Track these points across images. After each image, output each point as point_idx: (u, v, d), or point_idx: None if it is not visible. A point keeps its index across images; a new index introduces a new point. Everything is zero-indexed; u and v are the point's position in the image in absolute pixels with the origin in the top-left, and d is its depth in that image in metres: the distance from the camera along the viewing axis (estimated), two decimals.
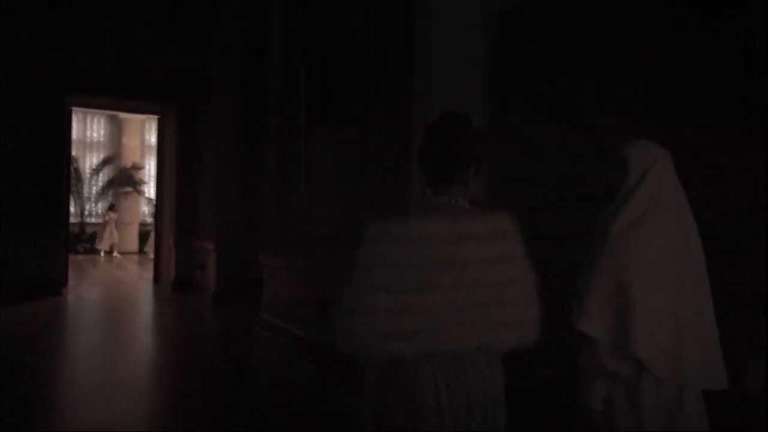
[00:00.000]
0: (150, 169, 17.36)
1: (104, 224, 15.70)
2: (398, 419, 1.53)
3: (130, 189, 16.90)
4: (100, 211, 17.40)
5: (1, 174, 7.99)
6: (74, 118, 17.18)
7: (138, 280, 10.99)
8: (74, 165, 16.46)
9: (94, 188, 16.99)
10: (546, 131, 3.47)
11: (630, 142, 1.94)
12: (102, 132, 17.59)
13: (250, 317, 6.79)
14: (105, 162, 16.97)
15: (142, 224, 17.22)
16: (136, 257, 15.86)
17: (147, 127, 17.76)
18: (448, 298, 1.46)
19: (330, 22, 5.66)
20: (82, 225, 16.61)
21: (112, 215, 15.71)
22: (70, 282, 9.82)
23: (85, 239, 16.49)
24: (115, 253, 15.60)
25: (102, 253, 15.45)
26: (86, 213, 16.86)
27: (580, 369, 1.83)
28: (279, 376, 4.84)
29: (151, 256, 14.64)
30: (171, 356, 5.47)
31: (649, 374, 1.76)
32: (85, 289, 9.49)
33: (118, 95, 8.99)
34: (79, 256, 15.47)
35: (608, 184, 1.93)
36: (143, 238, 16.54)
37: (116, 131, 17.46)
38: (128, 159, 17.19)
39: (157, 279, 10.16)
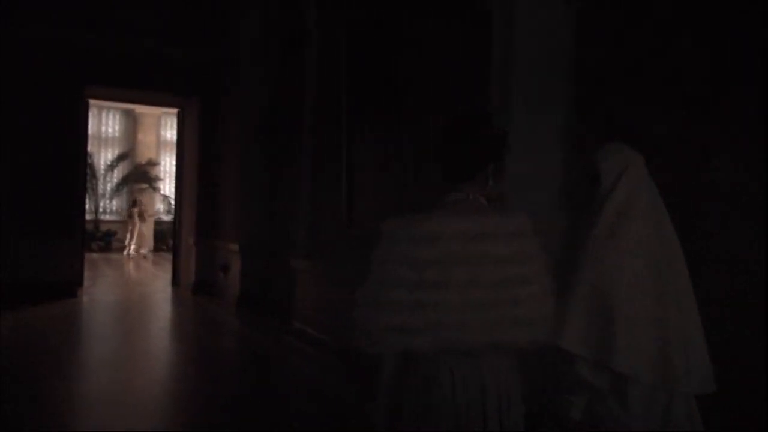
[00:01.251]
0: (166, 165, 16.93)
1: (132, 222, 15.18)
2: (414, 416, 1.53)
3: (145, 186, 16.47)
4: (114, 208, 16.99)
5: (15, 170, 7.54)
6: (90, 113, 16.93)
7: (155, 282, 10.52)
8: (89, 161, 16.07)
9: (109, 185, 16.56)
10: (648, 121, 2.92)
11: (602, 147, 1.91)
12: (117, 127, 17.16)
13: (280, 325, 6.28)
14: (120, 158, 16.56)
15: (158, 222, 16.79)
16: (151, 256, 15.43)
17: (163, 122, 17.34)
18: (463, 294, 1.47)
19: (379, 5, 5.10)
20: (97, 223, 16.21)
21: (136, 214, 15.27)
22: (86, 283, 9.37)
23: (100, 237, 16.08)
24: (143, 251, 15.16)
25: (130, 252, 14.97)
26: (101, 210, 16.44)
27: (558, 379, 1.81)
28: (316, 392, 4.32)
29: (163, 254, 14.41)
30: (195, 370, 4.96)
31: (637, 383, 1.74)
32: (101, 290, 9.03)
33: (137, 86, 8.50)
34: (94, 255, 15.06)
35: (585, 192, 1.90)
36: (158, 236, 16.11)
37: (131, 127, 17.04)
38: (144, 155, 16.77)
39: (175, 281, 9.68)
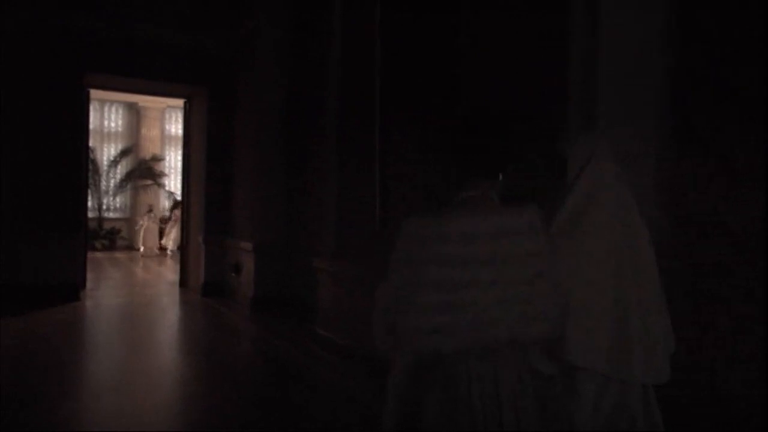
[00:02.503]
0: (171, 160, 16.38)
1: (171, 222, 14.60)
2: (433, 415, 1.50)
3: (149, 182, 15.93)
4: (118, 205, 16.46)
5: (10, 165, 6.99)
6: (91, 107, 16.36)
7: (162, 283, 9.98)
8: (91, 156, 15.54)
9: (112, 181, 16.02)
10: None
11: (572, 137, 2.06)
12: (120, 122, 16.60)
13: (300, 331, 5.73)
14: (123, 153, 16.01)
15: (162, 219, 16.26)
16: (156, 254, 14.91)
17: (167, 116, 16.78)
18: (488, 293, 1.46)
19: None
20: (100, 220, 15.68)
21: (178, 213, 14.73)
22: (89, 285, 8.84)
23: (104, 235, 15.56)
24: (168, 251, 14.64)
25: (169, 252, 14.47)
26: (104, 207, 15.91)
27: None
28: (347, 408, 3.76)
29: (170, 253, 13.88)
30: (212, 385, 4.41)
31: (588, 373, 1.76)
32: (105, 293, 8.48)
33: (140, 75, 7.92)
34: (98, 254, 14.55)
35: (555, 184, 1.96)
36: (163, 234, 15.58)
37: (135, 121, 16.48)
38: (148, 150, 16.22)
39: (183, 281, 9.14)
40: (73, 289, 7.43)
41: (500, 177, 1.60)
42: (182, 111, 9.45)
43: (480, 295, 1.46)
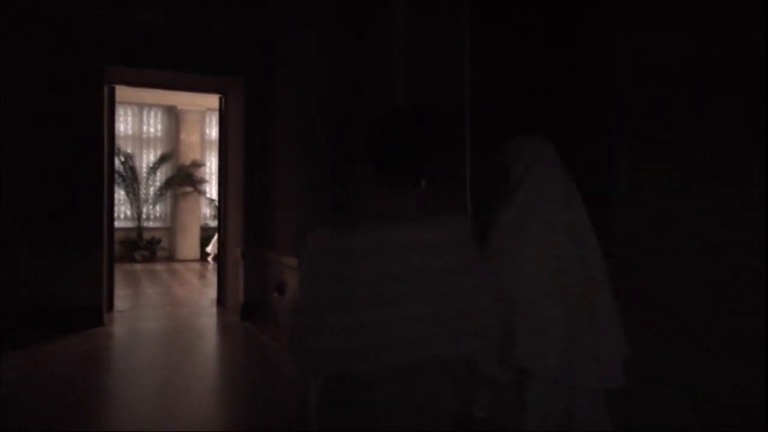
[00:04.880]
0: (211, 166, 15.56)
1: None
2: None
3: (189, 189, 15.14)
4: (158, 214, 15.75)
5: (23, 173, 6.09)
6: (129, 112, 15.71)
7: (199, 300, 8.98)
8: (130, 163, 14.88)
9: (152, 188, 15.32)
10: None
11: (510, 141, 1.87)
12: (159, 126, 15.90)
13: None
14: (162, 159, 15.27)
15: (203, 228, 15.45)
16: (197, 266, 14.07)
17: (207, 120, 15.99)
18: (403, 311, 1.38)
19: None
20: (140, 230, 14.98)
21: None
22: (120, 304, 7.92)
23: (144, 246, 14.85)
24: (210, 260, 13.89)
25: (210, 259, 13.76)
26: (144, 217, 15.21)
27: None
28: None
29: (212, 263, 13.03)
30: None
31: (538, 379, 1.73)
32: (134, 316, 7.50)
33: (169, 66, 6.92)
34: (137, 266, 13.83)
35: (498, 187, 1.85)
36: (204, 244, 14.75)
37: (174, 125, 15.75)
38: (187, 156, 15.45)
39: (221, 300, 8.12)
40: (94, 312, 6.48)
41: (422, 185, 1.50)
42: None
43: (402, 313, 1.37)
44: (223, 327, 7.05)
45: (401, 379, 1.40)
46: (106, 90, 6.88)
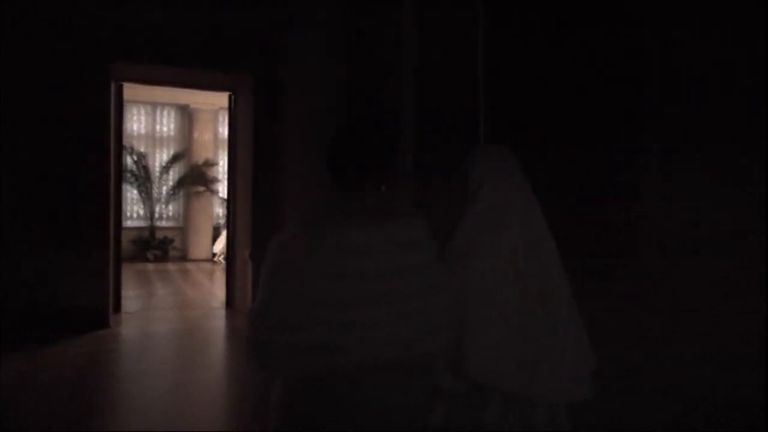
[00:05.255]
0: (224, 165, 15.45)
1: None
2: None
3: (202, 188, 15.06)
4: (171, 213, 15.70)
5: (25, 172, 5.99)
6: (142, 111, 15.68)
7: (208, 302, 8.85)
8: (143, 162, 14.84)
9: (165, 188, 15.27)
10: None
11: (472, 151, 1.88)
12: (172, 125, 15.86)
13: None
14: (175, 158, 15.21)
15: (216, 228, 15.37)
16: (208, 266, 13.98)
17: (220, 119, 15.90)
18: (366, 310, 1.39)
19: None
20: (152, 230, 14.93)
21: None
22: (129, 305, 7.82)
23: (156, 245, 14.80)
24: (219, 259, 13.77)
25: (219, 259, 13.58)
26: (156, 216, 15.16)
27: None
28: None
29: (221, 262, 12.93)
30: None
31: (492, 392, 1.71)
32: (141, 318, 7.38)
33: (176, 63, 6.79)
34: (149, 265, 13.77)
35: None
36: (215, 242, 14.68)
37: (187, 124, 15.69)
38: (200, 155, 15.37)
39: (230, 302, 7.98)
40: (99, 314, 6.36)
41: (382, 187, 1.54)
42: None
43: (368, 311, 1.39)
44: (232, 331, 6.89)
45: (366, 378, 1.41)
46: (113, 88, 6.76)
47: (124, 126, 14.91)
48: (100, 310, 6.38)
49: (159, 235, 14.99)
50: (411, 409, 1.46)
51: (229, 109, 8.03)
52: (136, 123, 15.28)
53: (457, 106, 4.24)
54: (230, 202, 8.14)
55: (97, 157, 6.37)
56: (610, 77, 3.03)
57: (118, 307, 7.26)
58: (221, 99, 12.94)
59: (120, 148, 7.27)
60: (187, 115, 15.59)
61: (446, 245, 1.73)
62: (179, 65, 6.86)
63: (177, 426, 3.77)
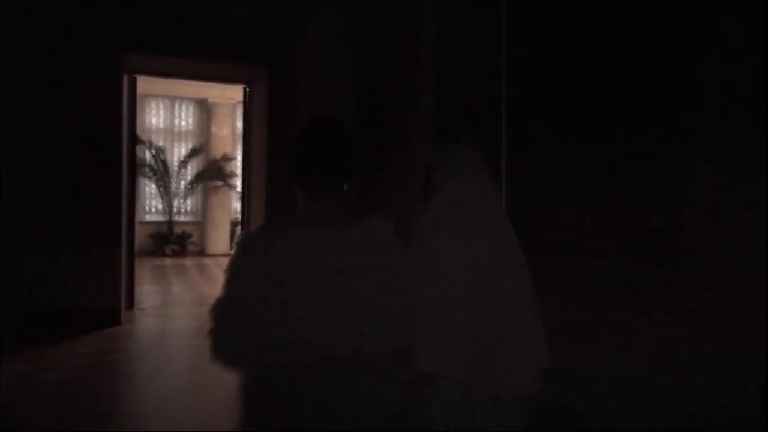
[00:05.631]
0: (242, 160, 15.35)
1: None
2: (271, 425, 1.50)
3: (220, 183, 14.97)
4: (189, 208, 15.65)
5: (24, 167, 5.87)
6: (161, 105, 15.64)
7: None
8: (161, 157, 14.79)
9: (183, 182, 15.21)
10: None
11: (436, 149, 1.95)
12: (190, 120, 15.79)
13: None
14: (193, 153, 15.14)
15: (234, 223, 15.27)
16: (226, 261, 13.85)
17: (238, 113, 15.77)
18: (323, 308, 1.45)
19: None
20: (171, 224, 14.88)
21: None
22: (145, 301, 7.70)
23: (174, 240, 14.76)
24: None
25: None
26: (174, 211, 15.11)
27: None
28: None
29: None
30: None
31: (441, 384, 1.75)
32: (153, 314, 7.25)
33: (190, 54, 6.61)
34: (167, 260, 13.73)
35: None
36: (233, 239, 14.57)
37: (205, 119, 15.61)
38: (218, 150, 15.28)
39: None
40: (110, 311, 6.23)
41: (345, 187, 1.57)
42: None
43: (314, 311, 1.44)
44: None
45: (320, 372, 1.45)
46: (125, 80, 6.61)
47: (143, 120, 14.99)
48: (111, 307, 6.25)
49: (177, 229, 14.96)
50: (364, 401, 1.50)
51: (244, 101, 7.84)
52: (154, 117, 15.24)
53: (477, 102, 3.99)
54: (245, 197, 7.96)
55: (108, 151, 6.23)
56: (658, 72, 2.75)
57: (131, 304, 7.13)
58: (239, 93, 12.82)
59: (133, 142, 7.12)
60: (205, 110, 15.51)
61: (408, 243, 1.76)
62: (193, 57, 6.68)
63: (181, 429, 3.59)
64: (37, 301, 5.79)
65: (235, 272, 1.49)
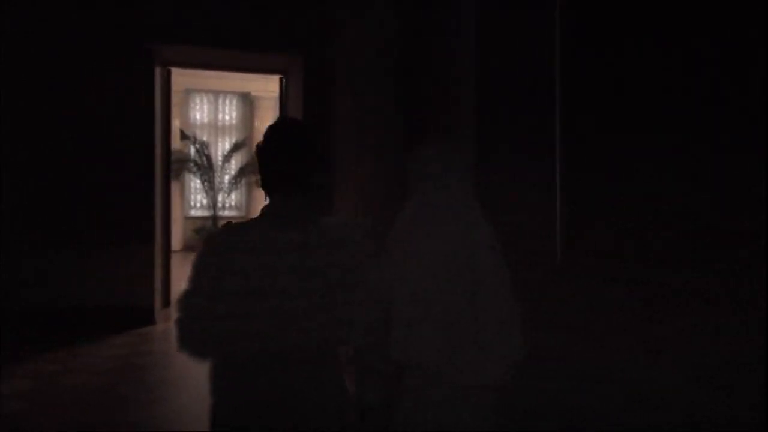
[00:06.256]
0: None
1: None
2: (233, 413, 1.57)
3: None
4: (233, 202, 15.64)
5: (56, 160, 5.75)
6: (204, 100, 15.66)
7: None
8: (205, 151, 14.80)
9: (227, 177, 15.20)
10: None
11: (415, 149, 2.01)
12: (234, 114, 15.76)
13: None
14: (236, 147, 15.09)
15: None
16: None
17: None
18: (280, 303, 1.54)
19: None
20: (215, 219, 14.89)
21: None
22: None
23: None
24: None
25: None
26: (219, 205, 15.13)
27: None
28: None
29: None
30: None
31: (414, 372, 1.85)
32: None
33: (221, 44, 6.36)
34: None
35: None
36: None
37: (249, 112, 15.54)
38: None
39: None
40: (144, 311, 6.08)
41: (310, 188, 1.62)
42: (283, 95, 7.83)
43: (272, 305, 1.53)
44: None
45: (279, 362, 1.54)
46: (158, 72, 6.43)
47: (187, 116, 15.03)
48: (145, 305, 6.11)
49: (221, 224, 14.96)
50: (321, 390, 1.58)
51: (280, 92, 7.56)
52: (198, 112, 15.27)
53: (527, 88, 3.55)
54: None
55: (139, 146, 6.06)
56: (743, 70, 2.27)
57: (167, 302, 6.99)
58: None
59: (168, 136, 6.95)
60: (248, 103, 15.44)
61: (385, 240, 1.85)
62: (226, 46, 6.43)
63: None
64: (69, 300, 5.68)
65: (197, 267, 1.58)
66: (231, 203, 15.56)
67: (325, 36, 6.42)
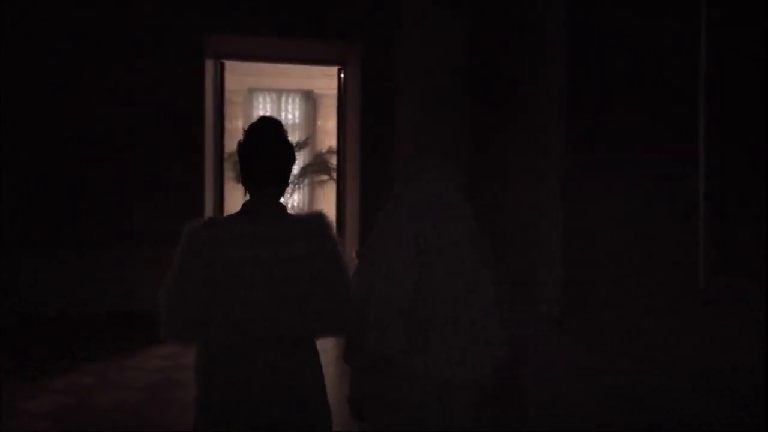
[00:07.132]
0: None
1: None
2: (216, 399, 1.71)
3: (326, 177, 14.50)
4: (296, 203, 15.39)
5: (96, 157, 5.47)
6: (267, 99, 15.52)
7: None
8: None
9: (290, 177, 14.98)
10: None
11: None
12: (297, 113, 15.52)
13: None
14: (298, 146, 14.80)
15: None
16: None
17: None
18: (253, 292, 1.68)
19: None
20: None
21: None
22: None
23: None
24: None
25: None
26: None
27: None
28: None
29: None
30: None
31: (389, 368, 1.85)
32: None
33: (276, 33, 5.92)
34: None
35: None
36: None
37: (311, 111, 15.25)
38: (324, 143, 14.84)
39: None
40: None
41: (287, 186, 1.77)
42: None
43: (245, 294, 1.66)
44: (322, 351, 5.92)
45: (257, 349, 1.69)
46: (210, 65, 6.06)
47: (251, 115, 14.92)
48: None
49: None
50: (297, 376, 1.72)
51: (339, 84, 7.05)
52: (262, 111, 15.12)
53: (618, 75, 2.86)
54: (340, 194, 7.20)
55: (187, 146, 5.70)
56: None
57: None
58: None
59: (221, 132, 6.59)
60: (311, 101, 15.16)
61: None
62: (282, 35, 5.98)
63: None
64: (113, 305, 5.40)
65: (182, 258, 1.69)
66: (293, 203, 15.33)
67: (387, 22, 5.85)
